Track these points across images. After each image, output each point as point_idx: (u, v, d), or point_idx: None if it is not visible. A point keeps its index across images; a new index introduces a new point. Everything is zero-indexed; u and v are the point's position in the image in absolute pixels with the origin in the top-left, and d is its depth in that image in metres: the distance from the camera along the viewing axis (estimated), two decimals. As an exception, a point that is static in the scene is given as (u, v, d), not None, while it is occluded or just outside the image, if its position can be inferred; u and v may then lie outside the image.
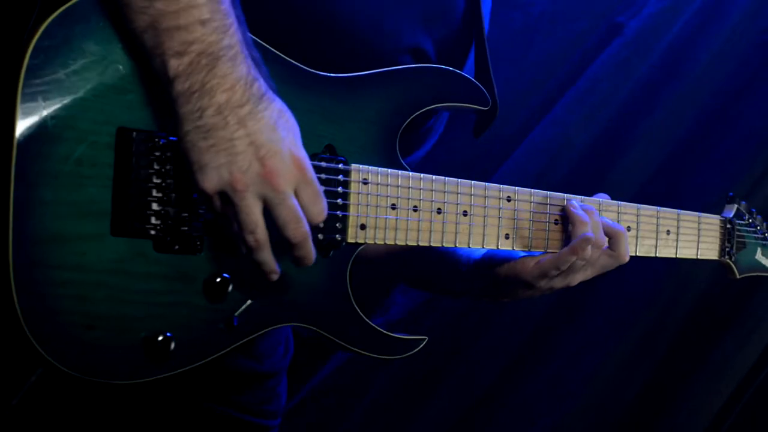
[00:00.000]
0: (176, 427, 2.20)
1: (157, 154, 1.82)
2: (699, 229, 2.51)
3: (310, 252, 1.82)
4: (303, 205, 1.78)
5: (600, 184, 3.65)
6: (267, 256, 1.80)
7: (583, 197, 2.33)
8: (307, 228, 1.79)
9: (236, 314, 1.91)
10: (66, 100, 1.74)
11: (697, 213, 2.52)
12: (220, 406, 2.26)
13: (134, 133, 1.80)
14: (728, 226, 2.58)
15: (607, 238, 2.24)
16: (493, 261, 2.31)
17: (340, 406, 3.62)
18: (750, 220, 2.64)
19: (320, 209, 1.81)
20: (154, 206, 1.83)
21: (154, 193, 1.83)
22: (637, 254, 2.42)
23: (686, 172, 3.75)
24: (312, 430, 3.59)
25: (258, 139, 1.72)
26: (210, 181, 1.73)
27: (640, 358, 3.75)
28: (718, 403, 3.71)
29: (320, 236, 1.98)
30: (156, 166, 1.82)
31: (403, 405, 3.66)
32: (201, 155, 1.72)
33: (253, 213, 1.74)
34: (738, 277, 2.64)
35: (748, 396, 3.70)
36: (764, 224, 2.71)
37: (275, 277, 1.85)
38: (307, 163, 1.78)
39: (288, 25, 2.11)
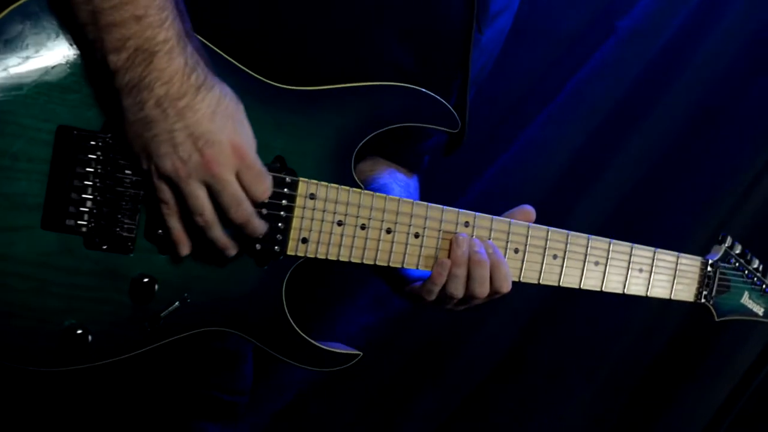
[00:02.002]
0: (145, 404, 2.28)
1: (98, 154, 1.87)
2: (676, 269, 2.45)
3: (258, 227, 1.93)
4: (245, 187, 1.88)
5: (594, 184, 3.61)
6: (218, 233, 1.91)
7: (550, 228, 2.29)
8: (248, 209, 1.89)
9: (162, 315, 1.96)
10: (8, 96, 1.79)
11: (676, 253, 2.45)
12: (190, 382, 2.34)
13: (75, 131, 1.84)
14: (709, 269, 2.51)
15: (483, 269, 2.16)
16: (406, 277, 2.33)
17: (332, 400, 3.67)
18: (737, 264, 2.56)
19: (263, 189, 1.91)
20: (89, 204, 1.88)
21: (90, 191, 1.88)
22: (603, 290, 2.38)
23: (681, 172, 3.70)
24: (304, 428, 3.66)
25: (196, 131, 1.80)
26: (155, 169, 1.82)
27: (638, 358, 3.72)
28: (717, 402, 3.68)
29: (258, 246, 2.01)
30: (95, 166, 1.87)
31: (396, 400, 3.69)
32: (145, 145, 1.81)
33: (199, 197, 1.85)
34: (717, 320, 2.58)
35: (747, 396, 3.62)
36: (759, 268, 2.63)
37: (232, 252, 1.95)
38: (246, 148, 1.86)
39: (266, 32, 2.12)
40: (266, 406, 3.46)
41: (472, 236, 2.18)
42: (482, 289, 2.14)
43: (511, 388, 3.74)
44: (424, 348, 3.66)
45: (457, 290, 2.13)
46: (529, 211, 2.26)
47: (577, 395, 3.74)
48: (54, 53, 1.81)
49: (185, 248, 1.92)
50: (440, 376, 3.71)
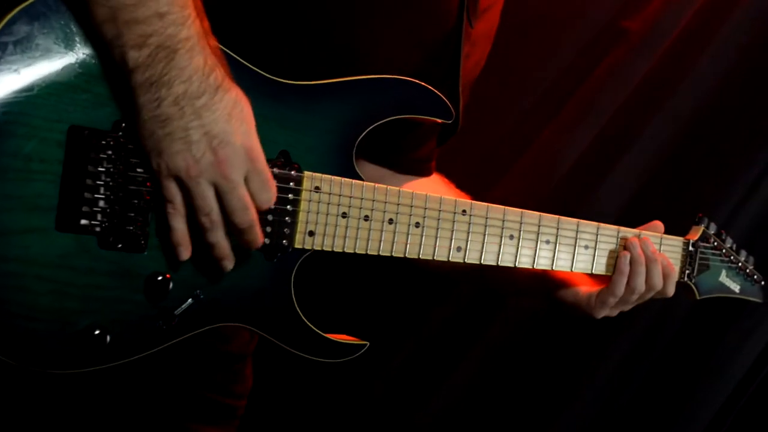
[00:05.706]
0: (142, 405, 2.28)
1: (109, 152, 1.87)
2: (660, 251, 2.52)
3: (257, 237, 1.94)
4: (252, 192, 1.89)
5: (601, 187, 3.67)
6: (220, 237, 1.91)
7: (542, 214, 2.34)
8: (253, 215, 1.90)
9: (176, 312, 1.97)
10: (20, 97, 1.78)
11: (659, 234, 2.53)
12: (190, 384, 2.35)
13: (86, 131, 1.84)
14: (691, 248, 2.59)
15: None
16: (552, 279, 2.46)
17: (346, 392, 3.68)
18: (716, 243, 2.65)
19: (268, 197, 1.92)
20: (101, 204, 1.88)
21: (102, 191, 1.88)
22: (594, 272, 2.44)
23: (688, 174, 3.74)
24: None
25: (212, 130, 1.81)
26: (165, 167, 1.82)
27: (638, 358, 3.74)
28: (717, 402, 3.71)
29: (267, 240, 2.02)
30: (106, 165, 1.87)
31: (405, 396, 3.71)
32: (158, 142, 1.81)
33: (208, 197, 1.86)
34: (698, 298, 2.66)
35: (747, 396, 3.66)
36: (733, 247, 2.72)
37: (229, 264, 1.96)
38: (258, 153, 1.87)
39: (267, 28, 2.14)
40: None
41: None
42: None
43: (514, 389, 3.75)
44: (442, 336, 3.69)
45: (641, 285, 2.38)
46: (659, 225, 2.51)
47: (577, 396, 3.75)
48: (64, 53, 1.81)
49: (185, 252, 1.92)
50: (448, 375, 3.74)
